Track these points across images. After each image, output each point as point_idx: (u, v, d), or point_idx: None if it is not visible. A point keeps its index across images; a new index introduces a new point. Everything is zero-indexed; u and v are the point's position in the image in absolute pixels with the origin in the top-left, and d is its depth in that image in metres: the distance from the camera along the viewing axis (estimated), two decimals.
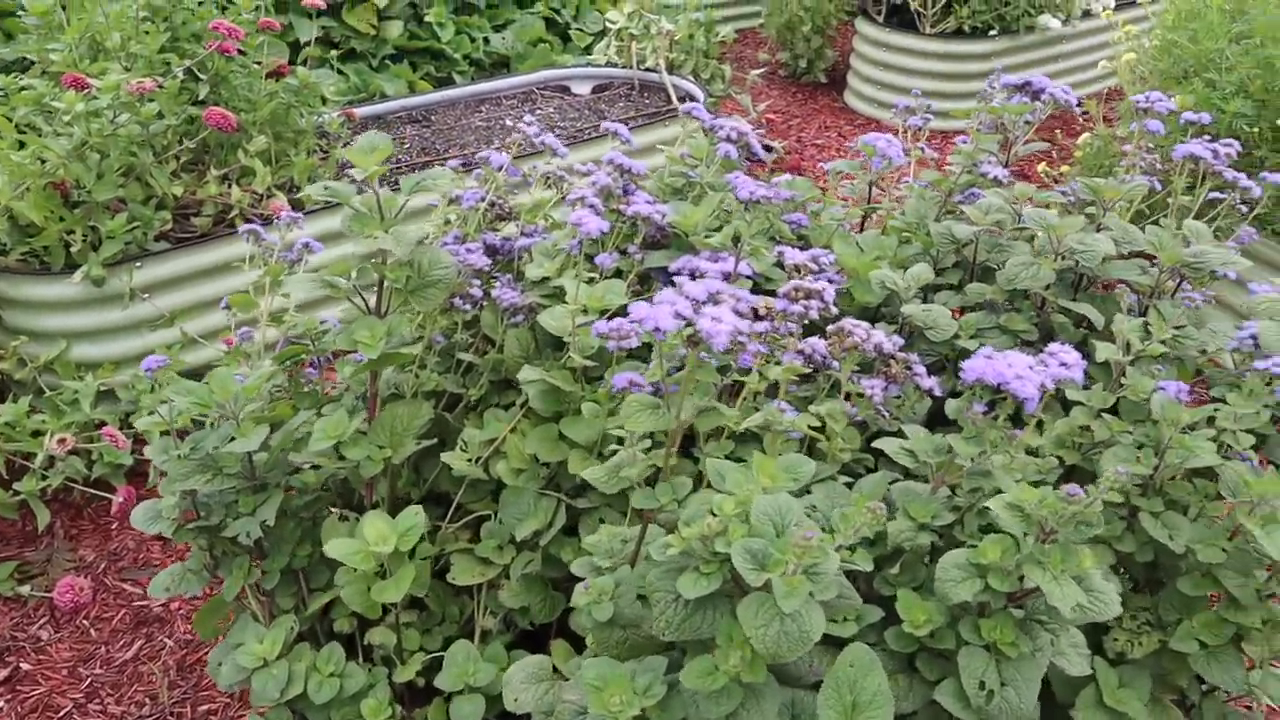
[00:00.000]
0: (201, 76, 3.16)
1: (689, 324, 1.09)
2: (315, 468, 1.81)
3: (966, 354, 1.68)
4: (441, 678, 1.63)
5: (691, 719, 1.03)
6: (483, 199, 2.06)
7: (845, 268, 1.79)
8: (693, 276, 1.67)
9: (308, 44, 3.81)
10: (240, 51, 3.18)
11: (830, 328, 1.40)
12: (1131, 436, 1.44)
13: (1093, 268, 1.59)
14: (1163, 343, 1.52)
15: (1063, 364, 1.25)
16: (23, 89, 2.93)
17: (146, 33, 3.11)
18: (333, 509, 1.90)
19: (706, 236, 1.66)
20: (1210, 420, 1.41)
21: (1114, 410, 1.49)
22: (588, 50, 5.14)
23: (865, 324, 1.39)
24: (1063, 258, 1.59)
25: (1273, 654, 1.38)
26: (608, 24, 4.56)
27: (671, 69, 4.53)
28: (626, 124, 4.14)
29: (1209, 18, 3.20)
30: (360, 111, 4.13)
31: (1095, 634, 1.48)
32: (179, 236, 3.20)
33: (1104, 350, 1.47)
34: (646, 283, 1.83)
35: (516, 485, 1.67)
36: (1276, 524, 1.33)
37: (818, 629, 0.95)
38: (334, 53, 4.78)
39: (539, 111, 4.28)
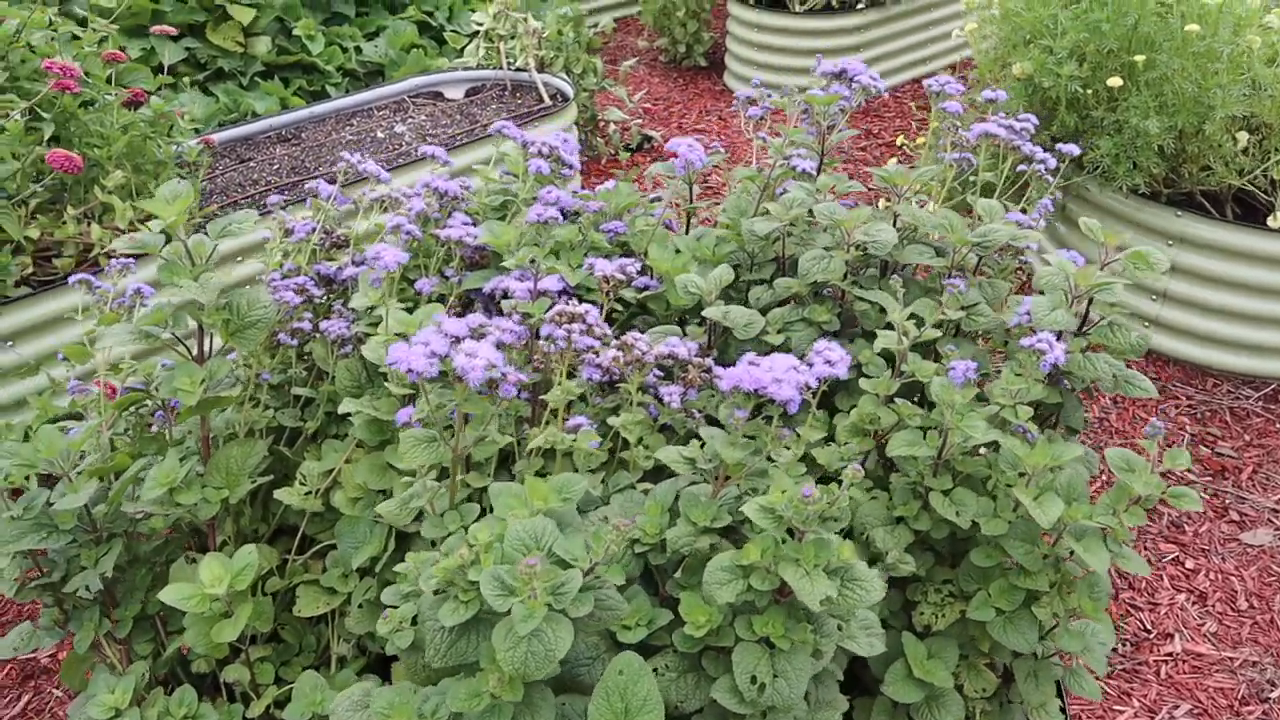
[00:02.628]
0: (45, 116, 3.11)
1: (444, 359, 1.13)
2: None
3: (777, 348, 1.75)
4: (291, 709, 1.66)
5: None
6: (313, 230, 2.08)
7: (659, 272, 1.84)
8: (505, 296, 1.71)
9: (169, 68, 3.76)
10: (86, 86, 3.13)
11: (615, 342, 1.44)
12: (919, 419, 1.51)
13: (885, 255, 1.66)
14: (947, 323, 1.60)
15: (828, 362, 1.31)
16: None
17: None
18: (187, 550, 1.91)
19: (521, 255, 1.71)
20: (980, 398, 1.49)
21: (910, 392, 1.57)
22: (463, 53, 5.12)
23: (645, 338, 1.44)
24: (855, 248, 1.65)
25: (1066, 612, 1.46)
26: (475, 25, 4.56)
27: (543, 67, 4.55)
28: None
29: None
30: (225, 135, 4.09)
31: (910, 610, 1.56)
32: (40, 280, 3.15)
33: (883, 339, 1.53)
34: (471, 304, 1.86)
35: (352, 514, 1.70)
36: (1049, 493, 1.41)
37: (563, 646, 1.00)
38: (201, 74, 4.72)
39: (410, 121, 4.27)
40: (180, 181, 1.71)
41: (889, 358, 1.61)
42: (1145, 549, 2.78)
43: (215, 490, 1.75)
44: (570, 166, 2.01)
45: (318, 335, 1.90)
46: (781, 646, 1.17)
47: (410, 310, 1.78)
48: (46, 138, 3.11)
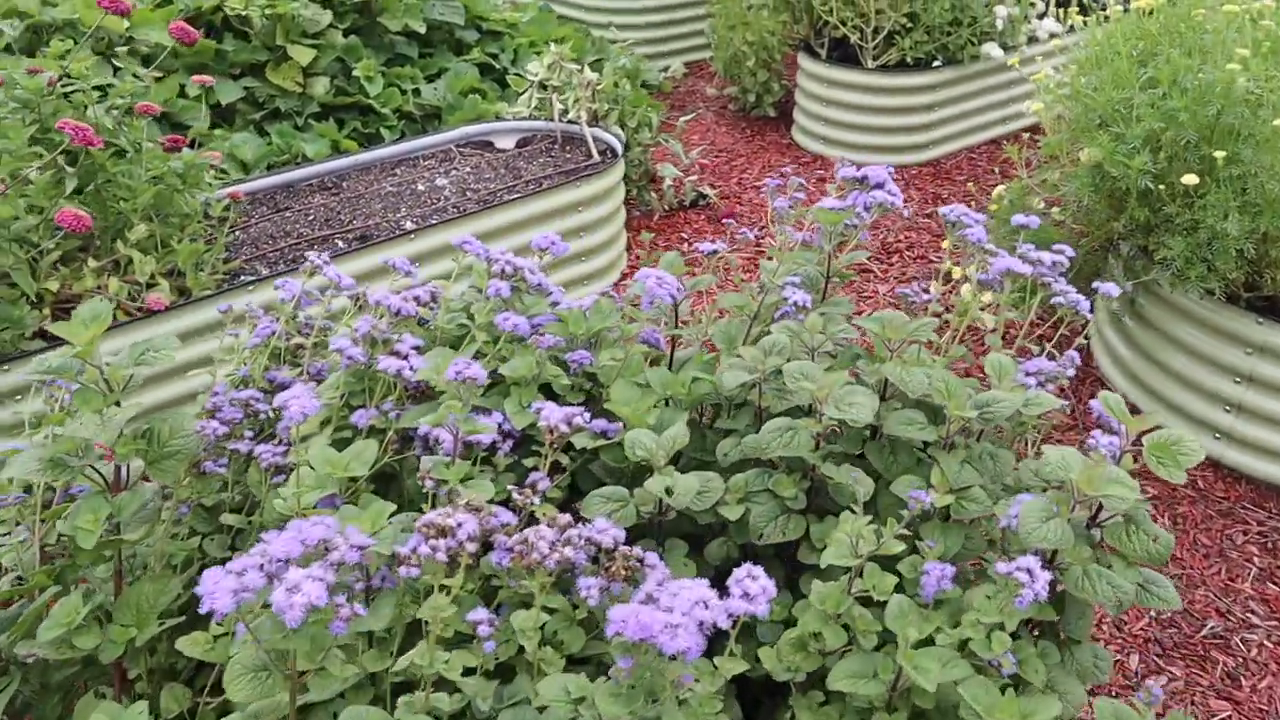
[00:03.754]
0: (69, 170, 3.08)
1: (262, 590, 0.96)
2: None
3: (734, 523, 1.55)
4: None
5: None
6: (272, 333, 1.95)
7: (620, 417, 1.65)
8: (435, 441, 1.55)
9: (228, 106, 3.72)
10: (107, 144, 3.10)
11: (510, 541, 1.26)
12: (876, 638, 1.29)
13: (861, 426, 1.44)
14: (934, 509, 1.37)
15: (745, 594, 1.10)
16: None
17: (10, 127, 3.03)
18: (98, 683, 1.79)
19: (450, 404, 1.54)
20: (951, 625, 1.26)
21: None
22: (516, 102, 5.01)
23: (552, 533, 1.25)
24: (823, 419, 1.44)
25: None
26: (528, 76, 4.44)
27: (596, 119, 4.40)
28: (541, 183, 4.02)
29: (1117, 65, 3.02)
30: (266, 182, 4.04)
31: None
32: (54, 336, 3.12)
33: (833, 551, 1.31)
34: (409, 441, 1.70)
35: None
36: None
37: None
38: (259, 113, 4.72)
39: (454, 173, 4.17)
40: (101, 302, 1.59)
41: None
42: (1194, 704, 2.47)
43: (122, 629, 1.63)
44: (540, 286, 1.85)
45: (252, 459, 1.76)
46: None
47: (345, 445, 1.63)
48: (69, 191, 3.08)
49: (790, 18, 5.10)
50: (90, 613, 1.59)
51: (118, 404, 1.61)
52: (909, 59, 4.78)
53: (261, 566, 1.05)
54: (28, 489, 1.95)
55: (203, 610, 1.00)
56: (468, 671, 1.17)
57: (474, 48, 5.26)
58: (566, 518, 1.33)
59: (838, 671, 1.25)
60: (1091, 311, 1.77)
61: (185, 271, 3.30)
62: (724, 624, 1.08)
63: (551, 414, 1.55)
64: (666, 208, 4.61)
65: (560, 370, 1.72)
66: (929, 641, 1.26)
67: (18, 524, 1.88)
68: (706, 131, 5.38)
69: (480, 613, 1.29)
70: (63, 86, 3.20)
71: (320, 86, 4.77)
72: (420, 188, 4.06)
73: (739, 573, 1.13)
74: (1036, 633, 1.53)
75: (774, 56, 5.25)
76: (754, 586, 1.11)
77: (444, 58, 5.20)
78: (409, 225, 3.71)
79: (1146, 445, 1.38)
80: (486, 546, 1.37)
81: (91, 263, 3.19)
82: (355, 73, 4.82)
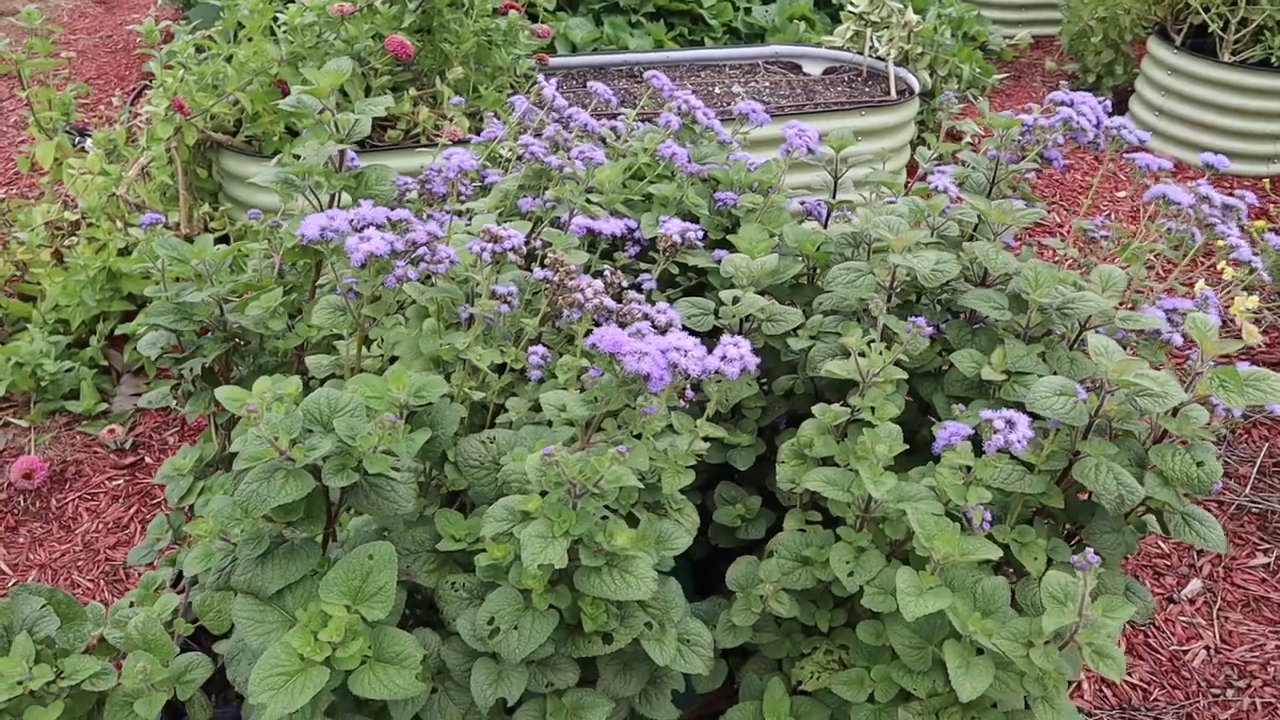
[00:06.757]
0: (410, 5, 3.57)
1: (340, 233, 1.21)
2: None
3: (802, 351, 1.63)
4: None
5: None
6: (496, 137, 2.23)
7: (739, 249, 1.77)
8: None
9: None
10: None
11: (548, 260, 1.41)
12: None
13: (928, 286, 1.46)
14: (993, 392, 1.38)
15: (724, 356, 1.21)
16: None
17: None
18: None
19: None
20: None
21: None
22: (833, 33, 5.06)
23: (599, 284, 1.39)
24: (900, 272, 1.47)
25: None
26: (851, 7, 4.49)
27: (906, 60, 4.39)
28: (829, 106, 4.09)
29: None
30: (582, 60, 4.41)
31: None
32: (373, 144, 3.66)
33: (838, 365, 1.35)
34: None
35: None
36: (941, 589, 1.21)
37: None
38: (600, 4, 5.11)
39: (752, 85, 4.33)
40: (344, 59, 1.92)
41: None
42: None
43: (306, 328, 1.99)
44: (710, 128, 1.99)
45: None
46: (538, 605, 1.13)
47: None
48: (405, 24, 3.57)
49: None
50: (284, 304, 1.96)
51: (340, 144, 1.95)
52: (1275, 59, 4.33)
53: (351, 221, 1.31)
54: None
55: (298, 232, 1.29)
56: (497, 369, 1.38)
57: None
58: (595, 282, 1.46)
59: (815, 474, 1.32)
60: (1255, 265, 1.65)
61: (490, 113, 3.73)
62: (695, 371, 1.20)
63: (670, 225, 1.70)
64: None
65: (702, 202, 1.87)
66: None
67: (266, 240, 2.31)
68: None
69: (539, 349, 1.49)
70: None
71: None
72: (716, 90, 4.26)
73: (725, 338, 1.24)
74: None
75: (1123, 37, 4.92)
76: (734, 352, 1.22)
77: None
78: None
79: (1209, 371, 1.31)
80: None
81: (412, 91, 3.69)
82: None
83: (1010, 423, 1.23)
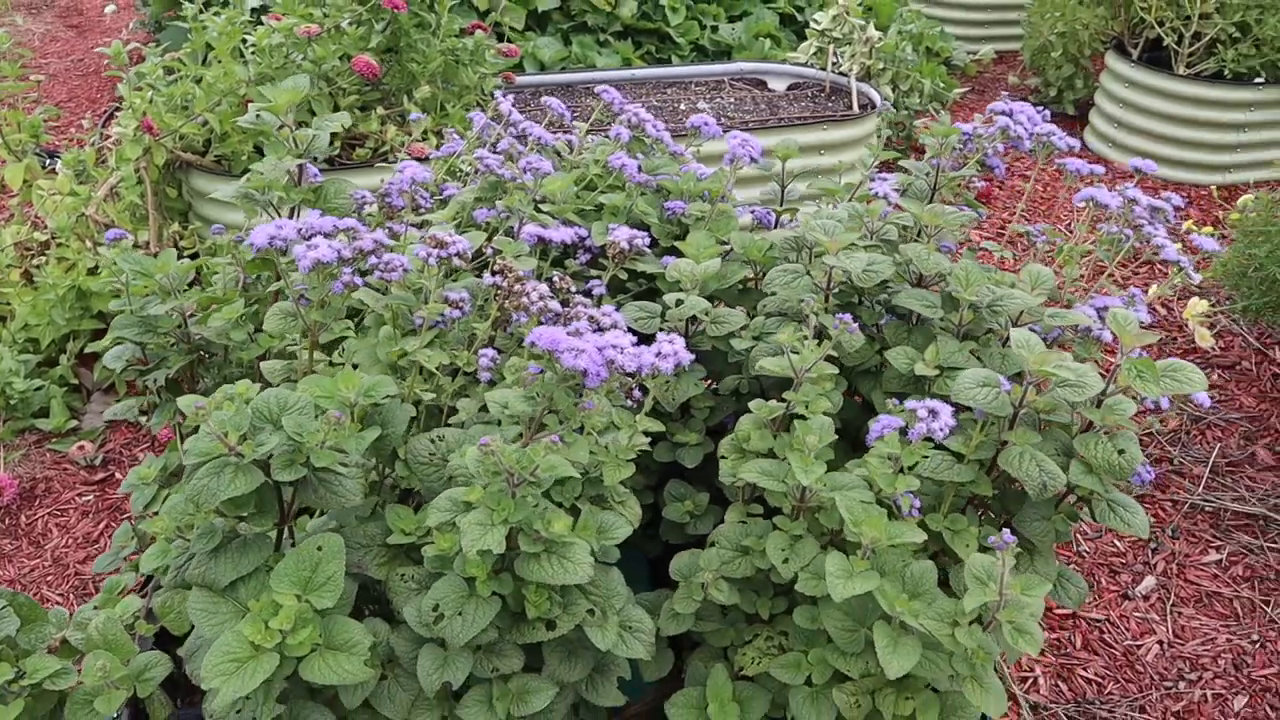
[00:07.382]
0: (377, 27, 3.63)
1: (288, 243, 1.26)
2: None
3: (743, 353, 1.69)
4: None
5: None
6: (455, 153, 2.29)
7: (686, 254, 1.83)
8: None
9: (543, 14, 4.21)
10: (413, 13, 3.62)
11: (497, 266, 1.46)
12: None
13: (863, 286, 1.52)
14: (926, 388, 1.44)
15: (659, 353, 1.26)
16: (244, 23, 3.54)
17: None
18: None
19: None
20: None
21: None
22: (797, 50, 5.15)
23: (544, 288, 1.45)
24: (832, 275, 1.53)
25: (862, 713, 1.30)
26: (812, 24, 4.58)
27: (868, 76, 4.48)
28: (791, 121, 4.17)
29: None
30: (549, 79, 4.48)
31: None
32: (341, 163, 3.71)
33: (772, 362, 1.42)
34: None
35: None
36: (871, 572, 1.26)
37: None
38: (568, 24, 5.19)
39: (717, 102, 4.41)
40: (302, 77, 1.98)
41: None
42: None
43: (268, 339, 2.03)
44: (659, 140, 2.05)
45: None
46: (481, 592, 1.17)
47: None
48: (372, 45, 3.63)
49: (1107, 12, 4.87)
50: (241, 316, 2.00)
51: (300, 159, 2.00)
52: (1228, 71, 4.44)
53: (300, 230, 1.36)
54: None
55: (244, 244, 1.33)
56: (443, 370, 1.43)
57: None
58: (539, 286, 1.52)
59: (751, 466, 1.38)
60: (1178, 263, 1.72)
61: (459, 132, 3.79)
62: (630, 366, 1.25)
63: (619, 233, 1.76)
64: None
65: (651, 210, 1.92)
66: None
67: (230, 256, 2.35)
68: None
69: (489, 352, 1.54)
70: None
71: (628, 9, 5.15)
72: (682, 107, 4.34)
73: (661, 336, 1.30)
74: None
75: (1083, 52, 5.03)
76: (669, 348, 1.27)
77: (751, 1, 5.43)
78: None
79: (1125, 362, 1.37)
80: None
81: (380, 110, 3.75)
82: (663, 1, 5.17)
83: (933, 412, 1.29)
